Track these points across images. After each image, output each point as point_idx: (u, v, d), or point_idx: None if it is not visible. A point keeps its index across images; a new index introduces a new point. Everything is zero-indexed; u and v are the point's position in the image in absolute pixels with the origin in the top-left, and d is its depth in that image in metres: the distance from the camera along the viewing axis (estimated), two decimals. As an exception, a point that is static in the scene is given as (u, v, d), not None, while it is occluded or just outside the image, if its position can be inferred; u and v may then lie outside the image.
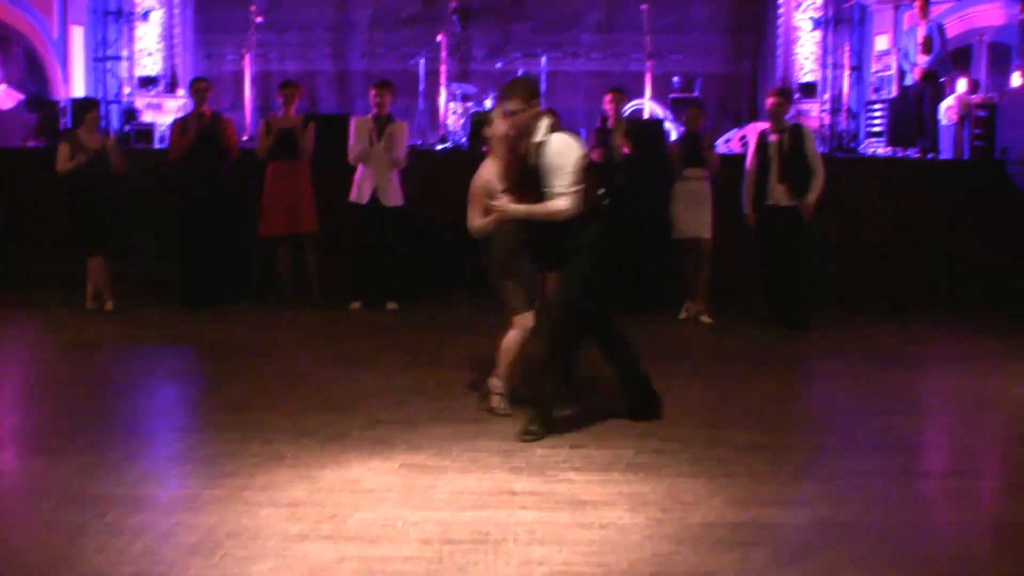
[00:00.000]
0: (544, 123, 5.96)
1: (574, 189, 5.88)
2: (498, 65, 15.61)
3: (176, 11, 16.12)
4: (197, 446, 5.86)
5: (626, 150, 9.76)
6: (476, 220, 6.39)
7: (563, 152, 5.90)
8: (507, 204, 6.06)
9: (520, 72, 14.57)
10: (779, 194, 9.50)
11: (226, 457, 5.47)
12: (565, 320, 6.02)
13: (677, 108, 13.83)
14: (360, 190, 9.74)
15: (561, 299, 6.08)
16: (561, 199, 5.88)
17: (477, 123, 6.26)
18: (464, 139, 13.48)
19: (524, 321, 6.38)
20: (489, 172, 6.34)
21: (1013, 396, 7.24)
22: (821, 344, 9.05)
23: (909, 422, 6.56)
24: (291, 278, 10.11)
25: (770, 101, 9.75)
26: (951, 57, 14.16)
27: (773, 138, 9.58)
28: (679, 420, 6.31)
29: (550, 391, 6.08)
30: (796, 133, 9.63)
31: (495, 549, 4.36)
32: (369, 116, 9.86)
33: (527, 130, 5.96)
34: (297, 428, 6.01)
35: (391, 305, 9.91)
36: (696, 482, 5.20)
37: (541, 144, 5.92)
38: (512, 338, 6.43)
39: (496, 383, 6.46)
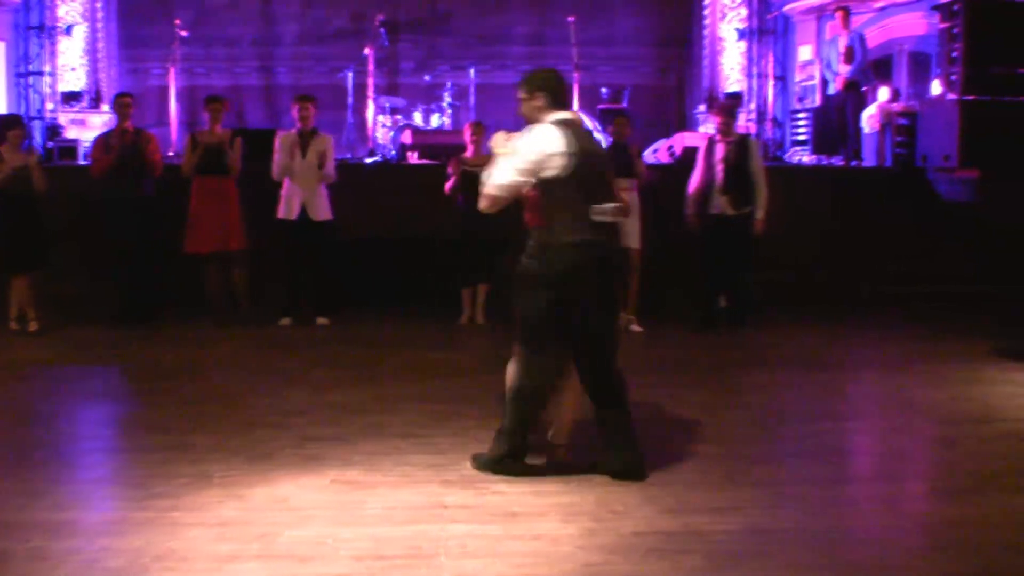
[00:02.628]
0: (550, 117, 5.41)
1: (514, 171, 5.33)
2: (426, 78, 15.63)
3: (100, 25, 15.90)
4: (123, 468, 5.78)
5: None
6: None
7: (531, 135, 5.38)
8: (501, 142, 5.47)
9: (449, 85, 14.63)
10: (723, 204, 9.65)
11: (153, 479, 5.37)
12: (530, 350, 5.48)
13: (605, 119, 13.95)
14: (288, 206, 9.67)
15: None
16: (490, 183, 5.41)
17: None
18: (393, 152, 13.47)
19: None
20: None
21: (935, 399, 7.36)
22: (749, 350, 9.14)
23: (837, 427, 6.65)
24: (220, 295, 9.97)
25: (718, 119, 9.87)
26: (872, 66, 14.46)
27: (720, 148, 9.70)
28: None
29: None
30: (743, 144, 9.80)
31: (427, 564, 4.34)
32: (293, 131, 9.80)
33: (529, 122, 5.47)
34: (226, 447, 5.92)
35: (321, 320, 9.84)
36: (627, 491, 5.22)
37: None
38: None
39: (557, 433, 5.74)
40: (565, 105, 5.64)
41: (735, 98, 15.55)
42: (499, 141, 5.50)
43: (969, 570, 4.35)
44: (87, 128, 14.69)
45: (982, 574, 4.32)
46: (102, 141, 10.00)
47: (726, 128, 9.79)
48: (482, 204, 5.52)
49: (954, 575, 4.31)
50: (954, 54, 12.60)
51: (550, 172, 5.32)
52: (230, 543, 4.54)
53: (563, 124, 5.41)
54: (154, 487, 5.25)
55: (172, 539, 4.57)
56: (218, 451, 5.85)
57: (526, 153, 5.34)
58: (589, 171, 5.41)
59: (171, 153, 12.84)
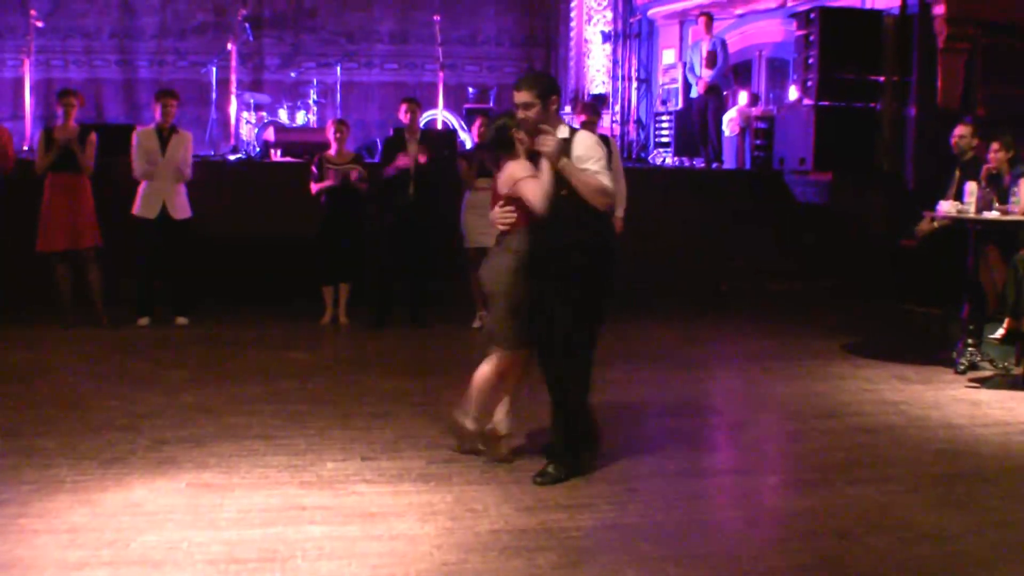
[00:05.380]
0: (562, 125, 5.53)
1: (607, 178, 5.40)
2: (292, 74, 15.48)
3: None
4: (-32, 475, 5.60)
5: (422, 159, 9.78)
6: (535, 191, 5.50)
7: (592, 145, 5.47)
8: (555, 144, 5.35)
9: (314, 82, 14.51)
10: None
11: (0, 485, 5.21)
12: (569, 358, 5.57)
13: (471, 118, 14.01)
14: (147, 204, 9.45)
15: (560, 337, 5.53)
16: (604, 177, 5.37)
17: (501, 128, 5.59)
18: (256, 150, 13.28)
19: (508, 361, 5.75)
20: (515, 168, 5.66)
21: (787, 394, 7.60)
22: (609, 346, 9.23)
23: (691, 423, 6.81)
24: (71, 295, 9.64)
25: (584, 118, 9.95)
26: (733, 71, 14.81)
27: None
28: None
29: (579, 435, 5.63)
30: (606, 145, 9.89)
31: (283, 567, 4.32)
32: (151, 127, 9.59)
33: (535, 131, 5.45)
34: (77, 451, 5.79)
35: (180, 320, 9.66)
36: (485, 490, 5.27)
37: (565, 141, 5.43)
38: (486, 376, 5.76)
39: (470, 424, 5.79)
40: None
41: (599, 98, 15.77)
42: (557, 149, 5.40)
43: (809, 559, 4.52)
44: (-65, 121, 14.13)
45: (820, 562, 4.49)
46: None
47: (591, 127, 9.88)
48: (602, 204, 5.46)
49: (795, 564, 4.46)
50: (810, 61, 12.98)
51: None
52: (80, 550, 4.44)
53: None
54: (1, 494, 5.09)
55: (19, 547, 4.46)
56: (68, 455, 5.71)
57: (598, 156, 5.45)
58: None
59: (26, 148, 12.43)
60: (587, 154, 5.42)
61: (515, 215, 5.63)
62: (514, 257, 5.64)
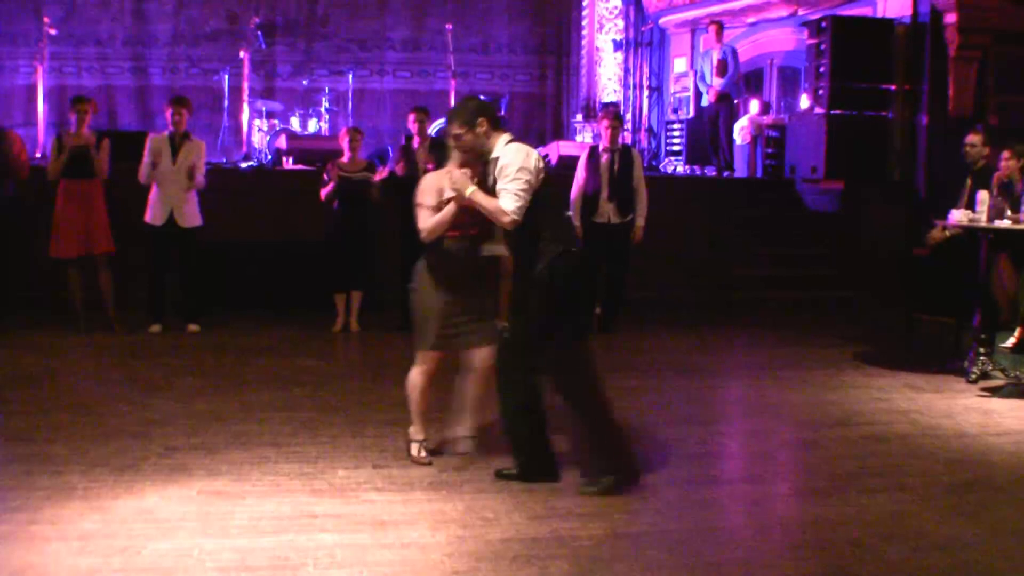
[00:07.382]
0: (501, 139, 5.56)
1: (521, 192, 5.39)
2: (304, 82, 15.52)
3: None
4: (-20, 481, 5.61)
5: (430, 166, 9.79)
6: (427, 220, 5.71)
7: (512, 156, 5.46)
8: (465, 180, 5.50)
9: (326, 90, 14.54)
10: (610, 212, 9.82)
11: (12, 491, 5.23)
12: (512, 365, 5.59)
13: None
14: (155, 211, 9.49)
15: (510, 342, 5.63)
16: (506, 197, 5.38)
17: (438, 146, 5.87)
18: (268, 157, 13.32)
19: (424, 360, 5.86)
20: (439, 177, 5.78)
21: (798, 402, 7.58)
22: (619, 355, 9.26)
23: (702, 431, 6.78)
24: (82, 301, 9.64)
25: (606, 123, 9.98)
26: (744, 80, 14.81)
27: (605, 158, 9.85)
28: (481, 436, 6.35)
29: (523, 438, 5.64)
30: (627, 155, 9.97)
31: (294, 574, 4.32)
32: (165, 134, 9.62)
33: (476, 152, 5.58)
34: (88, 458, 5.80)
35: (192, 328, 9.67)
36: (497, 498, 5.27)
37: (496, 159, 5.51)
38: (412, 378, 5.91)
39: (413, 430, 5.95)
40: (501, 125, 5.76)
41: (617, 106, 15.79)
42: (463, 182, 5.52)
43: (821, 568, 4.51)
44: (-51, 128, 14.17)
45: (832, 571, 4.48)
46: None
47: (616, 135, 9.96)
48: (506, 224, 5.45)
49: (807, 573, 4.46)
50: (821, 69, 12.98)
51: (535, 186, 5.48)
52: (91, 557, 4.45)
53: (519, 141, 5.62)
54: (13, 500, 5.11)
55: (31, 553, 4.46)
56: (80, 462, 5.72)
57: (522, 173, 5.41)
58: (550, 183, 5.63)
59: (38, 155, 12.48)
60: (505, 170, 5.43)
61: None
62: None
